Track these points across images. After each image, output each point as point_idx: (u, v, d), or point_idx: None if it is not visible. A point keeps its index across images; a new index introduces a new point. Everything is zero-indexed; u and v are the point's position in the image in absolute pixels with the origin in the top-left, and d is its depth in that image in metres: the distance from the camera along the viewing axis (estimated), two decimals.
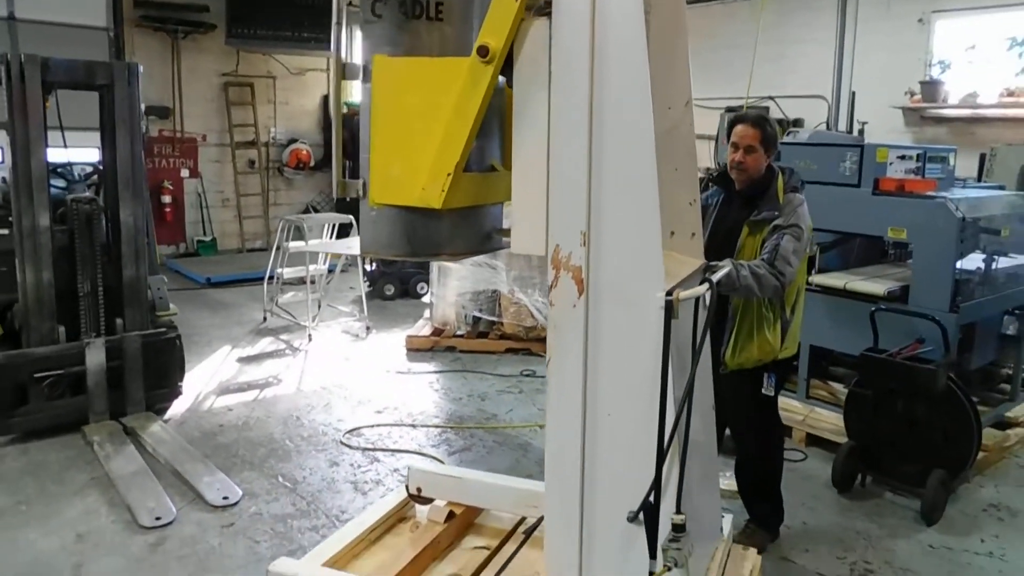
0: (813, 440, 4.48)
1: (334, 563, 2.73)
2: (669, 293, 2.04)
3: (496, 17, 2.00)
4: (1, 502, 3.72)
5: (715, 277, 2.25)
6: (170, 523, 3.52)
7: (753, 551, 2.92)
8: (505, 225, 2.36)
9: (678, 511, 2.07)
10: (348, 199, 2.47)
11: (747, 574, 2.76)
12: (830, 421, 4.44)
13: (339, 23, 2.37)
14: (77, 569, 3.16)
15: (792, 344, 3.23)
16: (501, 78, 2.11)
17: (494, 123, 2.20)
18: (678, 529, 2.04)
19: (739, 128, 3.09)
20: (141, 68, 4.77)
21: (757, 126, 3.06)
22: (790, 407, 4.59)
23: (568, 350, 2.19)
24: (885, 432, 3.89)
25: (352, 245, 2.47)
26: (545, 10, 2.07)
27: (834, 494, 3.93)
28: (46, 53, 4.48)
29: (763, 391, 3.21)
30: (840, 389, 4.70)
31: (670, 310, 2.03)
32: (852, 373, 4.81)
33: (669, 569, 2.00)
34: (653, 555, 2.02)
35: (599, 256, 2.13)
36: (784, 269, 2.86)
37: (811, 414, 4.55)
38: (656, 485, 2.02)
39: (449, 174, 2.05)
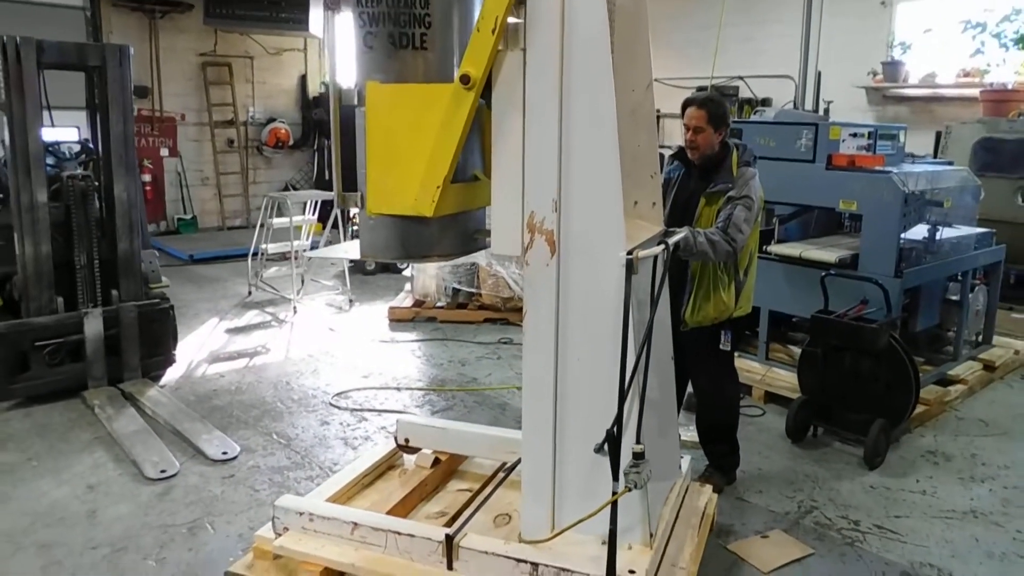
0: (771, 397, 4.83)
1: (333, 502, 3.03)
2: (630, 253, 2.34)
3: (476, 49, 2.29)
4: (13, 458, 3.96)
5: (671, 240, 2.54)
6: (174, 475, 3.79)
7: (709, 488, 3.27)
8: (487, 227, 2.67)
9: (637, 442, 2.39)
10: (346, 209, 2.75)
11: (702, 506, 3.10)
12: (786, 380, 4.78)
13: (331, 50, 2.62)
14: (92, 514, 3.42)
15: (746, 304, 3.55)
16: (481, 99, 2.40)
17: (475, 137, 2.49)
18: (637, 457, 2.36)
19: (689, 110, 3.39)
20: (133, 51, 4.95)
21: (703, 107, 3.36)
22: (750, 368, 4.94)
23: (542, 304, 2.48)
24: (834, 386, 4.24)
25: (350, 249, 2.80)
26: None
27: (788, 444, 4.28)
28: (23, 32, 4.62)
29: (720, 346, 3.53)
30: (797, 351, 5.05)
31: (631, 267, 2.33)
32: (807, 336, 5.18)
33: (630, 490, 2.32)
34: (616, 478, 2.33)
35: (569, 220, 2.43)
36: (736, 236, 3.17)
37: (769, 373, 4.90)
38: (618, 419, 2.33)
39: (438, 186, 2.35)
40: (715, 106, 3.39)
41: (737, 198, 3.26)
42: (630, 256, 2.33)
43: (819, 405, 4.32)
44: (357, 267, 8.18)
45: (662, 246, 2.45)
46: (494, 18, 2.24)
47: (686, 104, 3.44)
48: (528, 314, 2.52)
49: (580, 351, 2.49)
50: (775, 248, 4.93)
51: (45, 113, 4.82)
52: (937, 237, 4.88)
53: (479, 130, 2.48)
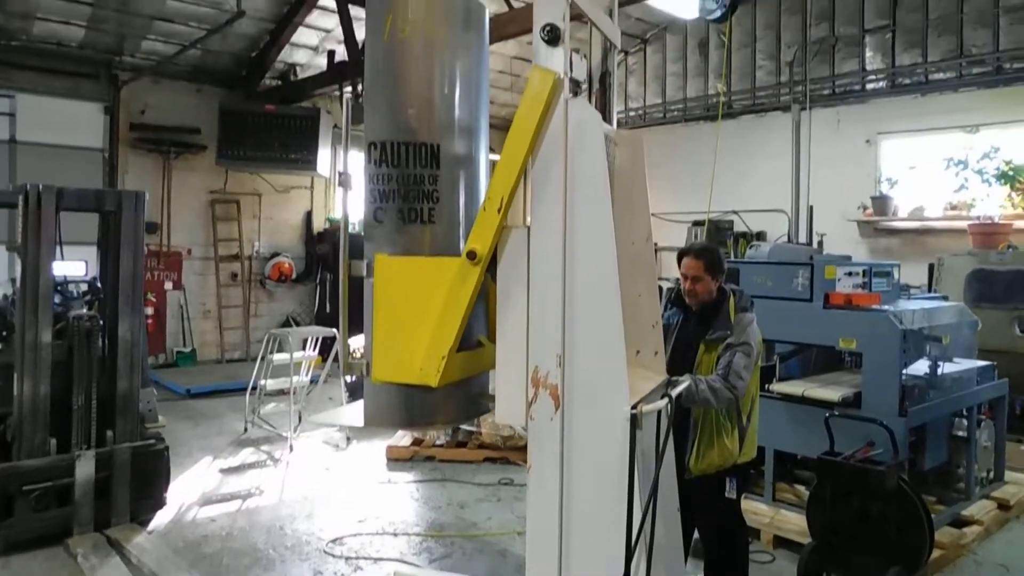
0: (780, 541, 4.66)
1: None
2: (634, 407, 2.33)
3: (482, 227, 2.38)
4: None
5: (675, 392, 2.54)
6: None
7: None
8: (491, 389, 2.69)
9: None
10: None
11: None
12: (795, 523, 4.64)
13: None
14: None
15: (750, 449, 3.50)
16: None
17: (480, 304, 2.55)
18: None
19: (686, 260, 3.48)
20: (148, 196, 5.12)
21: (700, 257, 3.45)
22: (757, 510, 4.80)
23: (546, 458, 2.44)
24: (844, 531, 4.10)
25: (353, 416, 2.84)
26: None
27: None
28: (42, 172, 4.82)
29: (726, 494, 3.45)
30: (804, 491, 4.93)
31: (635, 422, 2.31)
32: (814, 478, 5.07)
33: None
34: None
35: (573, 375, 2.43)
36: (736, 383, 3.18)
37: (777, 516, 4.76)
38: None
39: (443, 357, 2.39)
40: (711, 255, 3.48)
41: (736, 344, 3.29)
42: (634, 411, 2.31)
43: (831, 550, 4.16)
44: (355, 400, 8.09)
45: (665, 400, 2.44)
46: (500, 198, 2.34)
47: (682, 254, 3.53)
48: (532, 468, 2.46)
49: (585, 506, 2.42)
50: (777, 387, 4.92)
51: (56, 247, 4.94)
52: (939, 372, 4.89)
53: (484, 297, 2.53)
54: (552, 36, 2.32)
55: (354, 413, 2.79)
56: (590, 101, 2.99)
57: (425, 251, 2.49)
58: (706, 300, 3.43)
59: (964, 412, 5.17)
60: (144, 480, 4.93)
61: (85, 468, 4.66)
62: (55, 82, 9.63)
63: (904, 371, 4.59)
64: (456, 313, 2.38)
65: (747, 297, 3.52)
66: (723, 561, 3.59)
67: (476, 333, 2.58)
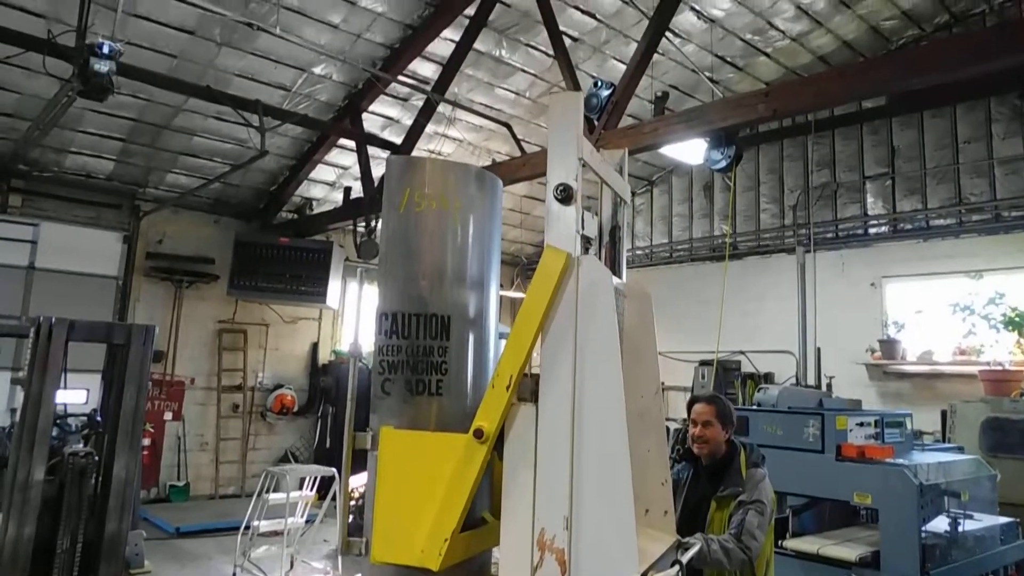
0: None
1: None
2: (644, 574, 2.21)
3: (489, 405, 2.37)
4: None
5: (684, 558, 2.42)
6: None
7: None
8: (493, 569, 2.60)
9: None
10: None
11: None
12: None
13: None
14: None
15: None
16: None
17: (484, 479, 2.48)
18: None
19: (696, 406, 3.44)
20: (157, 330, 5.15)
21: (711, 403, 3.42)
22: None
23: None
24: None
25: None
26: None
27: None
28: (56, 298, 4.84)
29: None
30: None
31: None
32: None
33: None
34: None
35: (580, 539, 2.32)
36: (750, 544, 3.04)
37: None
38: None
39: (446, 540, 2.31)
40: (722, 403, 3.44)
41: (748, 503, 3.18)
42: None
43: None
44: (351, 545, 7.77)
45: (676, 568, 2.32)
46: (508, 376, 2.33)
47: (693, 401, 3.48)
48: None
49: None
50: (791, 543, 4.71)
51: (61, 375, 4.90)
52: (960, 530, 4.68)
53: (489, 472, 2.47)
54: (565, 195, 2.39)
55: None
56: (600, 255, 3.03)
57: (432, 424, 2.45)
58: (715, 449, 3.35)
59: (990, 574, 4.91)
60: None
61: None
62: (79, 211, 9.95)
63: (923, 528, 4.40)
64: (461, 493, 2.31)
65: (758, 452, 3.44)
66: None
67: (480, 509, 2.50)
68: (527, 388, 2.44)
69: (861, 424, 4.96)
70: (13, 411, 5.36)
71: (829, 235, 10.70)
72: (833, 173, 10.77)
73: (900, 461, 4.57)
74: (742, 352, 10.84)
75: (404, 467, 2.41)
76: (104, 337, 5.10)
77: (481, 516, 2.49)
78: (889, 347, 9.81)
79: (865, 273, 10.33)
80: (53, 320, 4.70)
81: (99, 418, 5.40)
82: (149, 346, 5.04)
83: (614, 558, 2.29)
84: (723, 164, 6.52)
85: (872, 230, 10.45)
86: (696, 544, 2.76)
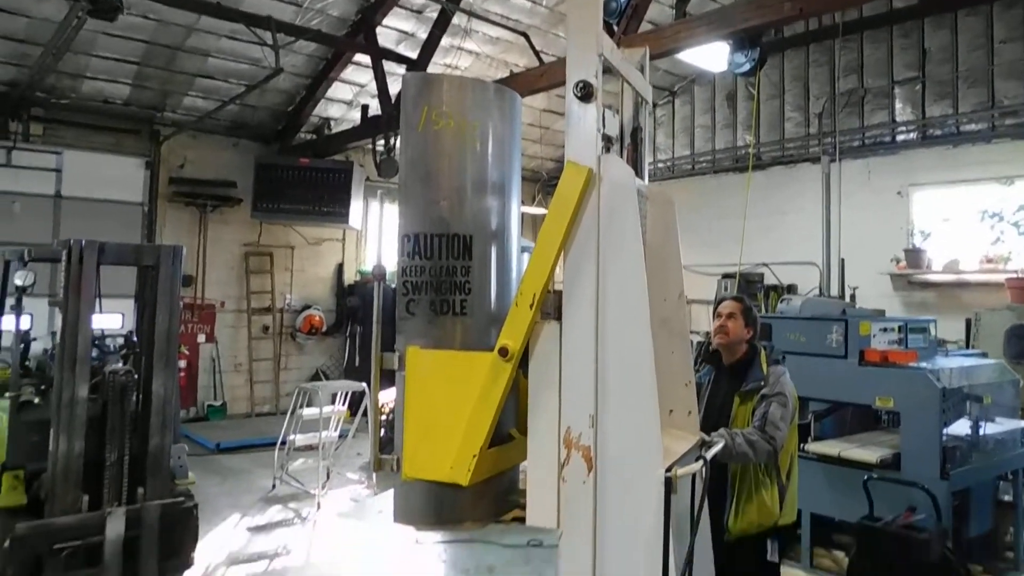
0: None
1: None
2: (668, 470, 2.28)
3: (514, 323, 2.38)
4: None
5: (709, 454, 2.49)
6: None
7: None
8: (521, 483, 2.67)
9: None
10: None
11: None
12: None
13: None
14: None
15: (791, 511, 3.42)
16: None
17: (510, 397, 2.51)
18: None
19: (724, 303, 3.53)
20: (185, 250, 5.22)
21: (738, 300, 3.52)
22: None
23: (579, 521, 2.39)
24: None
25: (383, 516, 2.83)
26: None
27: None
28: (84, 225, 4.92)
29: (768, 558, 3.35)
30: (843, 557, 4.77)
31: (669, 486, 2.26)
32: (853, 544, 4.90)
33: None
34: None
35: (605, 437, 2.39)
36: (774, 434, 3.13)
37: None
38: None
39: (475, 456, 2.37)
40: (748, 302, 3.53)
41: (771, 395, 3.26)
42: (668, 474, 2.26)
43: None
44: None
45: (700, 463, 2.39)
46: (532, 294, 2.34)
47: (720, 300, 3.55)
48: (564, 533, 2.41)
49: (619, 570, 2.35)
50: (813, 446, 4.80)
51: (96, 301, 5.02)
52: (981, 433, 4.74)
53: (515, 389, 2.50)
54: (585, 93, 2.35)
55: (385, 510, 2.75)
56: (621, 156, 3.01)
57: (457, 344, 2.48)
58: (735, 343, 3.42)
59: (1009, 475, 4.99)
60: (173, 539, 4.89)
61: (115, 526, 4.64)
62: (99, 138, 9.98)
63: (944, 432, 4.46)
64: (488, 411, 2.36)
65: (778, 351, 3.53)
66: None
67: (507, 427, 2.56)
68: (551, 305, 2.47)
69: (885, 330, 4.98)
70: (54, 335, 5.53)
71: (855, 143, 10.46)
72: (861, 79, 10.43)
73: (923, 365, 4.60)
74: (765, 264, 10.79)
75: (431, 386, 2.46)
76: (133, 259, 5.18)
77: (508, 433, 2.56)
78: (914, 256, 9.71)
79: (891, 182, 10.14)
80: (83, 243, 4.78)
81: (135, 339, 5.56)
82: (178, 266, 5.12)
83: (639, 454, 2.37)
84: (747, 67, 6.34)
85: (900, 137, 10.19)
86: (720, 441, 2.83)
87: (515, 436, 2.59)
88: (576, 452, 2.41)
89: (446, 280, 2.48)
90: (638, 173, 2.92)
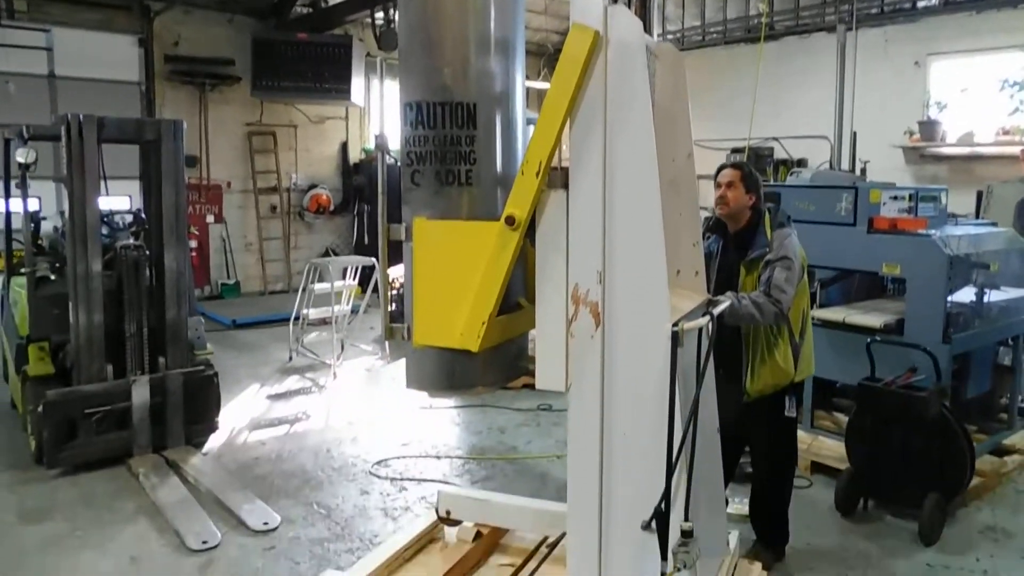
0: (817, 467, 4.70)
1: None
2: (675, 325, 2.34)
3: (520, 191, 2.35)
4: (59, 529, 4.00)
5: (716, 310, 2.53)
6: (216, 546, 3.79)
7: (758, 565, 3.17)
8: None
9: (686, 519, 2.34)
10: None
11: None
12: (833, 449, 4.66)
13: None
14: None
15: (807, 366, 3.51)
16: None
17: (518, 265, 2.53)
18: (686, 535, 2.30)
19: (723, 171, 3.47)
20: (186, 125, 5.15)
21: (737, 168, 3.45)
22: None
23: (587, 376, 2.47)
24: (883, 458, 4.11)
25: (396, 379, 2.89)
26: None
27: (837, 518, 4.15)
28: (82, 106, 4.85)
29: (786, 413, 3.48)
30: (842, 419, 4.94)
31: (676, 340, 2.32)
32: (853, 404, 5.07)
33: (679, 570, 2.26)
34: (664, 557, 2.27)
35: (613, 292, 2.43)
36: (780, 296, 3.17)
37: (815, 442, 4.78)
38: (666, 494, 2.28)
39: (484, 323, 2.39)
40: (747, 168, 3.47)
41: (775, 260, 3.28)
42: (676, 328, 2.32)
43: (869, 478, 4.19)
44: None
45: (707, 318, 2.44)
46: (538, 162, 2.31)
47: (720, 168, 3.50)
48: (573, 387, 2.50)
49: (626, 425, 2.46)
50: (818, 313, 4.85)
51: (101, 183, 5.03)
52: (985, 300, 4.79)
53: (522, 258, 2.52)
54: None
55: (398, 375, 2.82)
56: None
57: (463, 214, 2.48)
58: (737, 212, 3.40)
59: (1010, 341, 5.08)
60: (196, 405, 5.12)
61: (141, 392, 4.84)
62: (88, 15, 9.64)
63: (949, 298, 4.50)
64: (495, 279, 2.37)
65: (783, 212, 3.50)
66: (770, 483, 3.63)
67: (515, 295, 2.58)
68: (558, 179, 2.46)
69: (895, 198, 4.93)
70: (62, 214, 5.55)
71: (873, 10, 10.01)
72: None
73: (932, 232, 4.59)
74: (775, 138, 10.60)
75: (439, 256, 2.47)
76: (134, 134, 5.13)
77: (516, 302, 2.59)
78: (928, 129, 9.50)
79: (909, 51, 9.76)
80: (82, 117, 4.72)
81: (143, 216, 5.59)
82: (180, 141, 5.08)
83: (646, 310, 2.41)
84: None
85: (920, 3, 9.73)
86: (726, 300, 2.88)
87: (523, 305, 2.63)
88: (584, 308, 2.46)
89: (451, 150, 2.45)
90: (646, 29, 2.83)
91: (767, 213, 3.43)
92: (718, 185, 3.45)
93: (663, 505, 2.28)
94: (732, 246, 3.49)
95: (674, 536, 2.30)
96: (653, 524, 2.35)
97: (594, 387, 2.47)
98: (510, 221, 2.34)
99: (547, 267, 2.49)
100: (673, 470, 2.31)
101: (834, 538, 3.94)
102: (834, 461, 4.59)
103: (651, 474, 2.37)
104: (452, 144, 2.44)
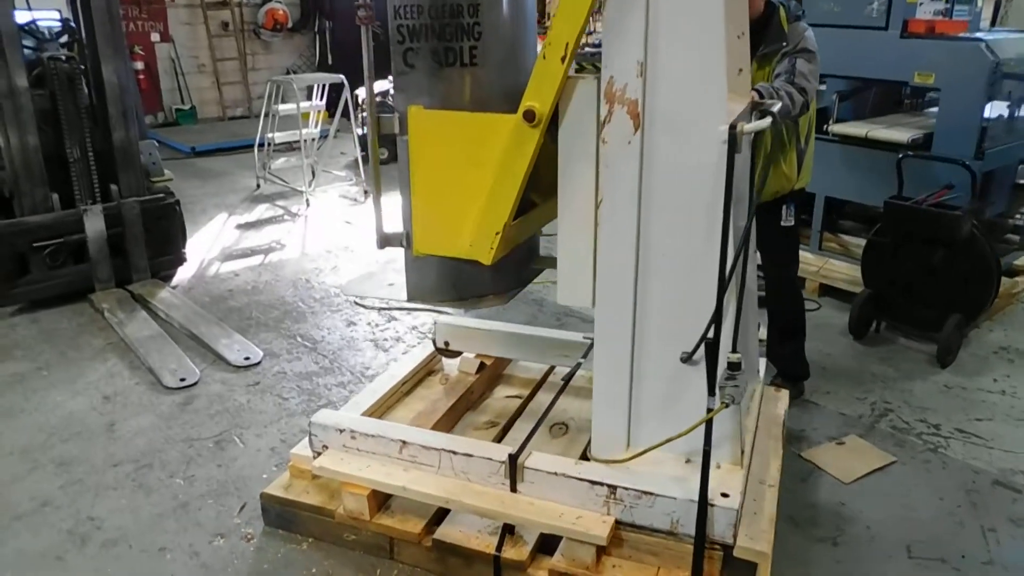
0: (826, 290, 4.50)
1: (372, 413, 2.75)
2: (732, 126, 1.93)
3: (541, 80, 1.90)
4: (22, 367, 3.69)
5: (775, 108, 2.12)
6: (195, 384, 3.52)
7: (784, 392, 2.98)
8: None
9: (734, 350, 2.05)
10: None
11: (781, 414, 2.81)
12: (843, 272, 4.45)
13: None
14: (111, 428, 3.17)
15: (807, 174, 3.24)
16: None
17: None
18: (734, 367, 2.02)
19: None
20: None
21: None
22: (804, 259, 4.57)
23: (621, 188, 2.09)
24: (903, 279, 3.89)
25: (395, 291, 2.54)
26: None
27: (849, 340, 3.99)
28: None
29: (782, 223, 3.20)
30: (849, 240, 4.71)
31: (734, 144, 1.92)
32: (861, 226, 4.80)
33: (727, 406, 2.00)
34: (712, 392, 2.01)
35: (656, 87, 2.00)
36: (805, 85, 2.81)
37: (825, 265, 4.55)
38: (716, 320, 1.98)
39: (498, 233, 2.02)
40: None
41: (794, 51, 2.87)
42: (733, 130, 1.91)
43: (885, 299, 3.98)
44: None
45: (769, 118, 2.02)
46: (564, 44, 1.85)
47: None
48: (604, 202, 2.12)
49: (666, 245, 2.11)
50: (837, 127, 4.47)
51: None
52: (1018, 114, 4.42)
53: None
54: None
55: (395, 286, 2.49)
56: None
57: (467, 102, 2.06)
58: (751, 15, 2.93)
59: None
60: (159, 236, 4.69)
61: (94, 223, 4.39)
62: None
63: (985, 111, 4.11)
64: (511, 184, 1.99)
65: (797, 5, 3.07)
66: (782, 301, 3.40)
67: (527, 192, 2.16)
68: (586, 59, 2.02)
69: None
70: None
71: None
72: None
73: (977, 36, 4.12)
74: None
75: (441, 153, 2.08)
76: None
77: (531, 199, 2.21)
78: None
79: None
80: None
81: (73, 25, 4.86)
82: None
83: (698, 108, 2.00)
84: None
85: None
86: (778, 103, 2.45)
87: (536, 202, 2.25)
88: (620, 107, 2.03)
89: (450, 22, 1.98)
90: None
91: (780, 7, 2.98)
92: None
93: (713, 334, 1.98)
94: None
95: (721, 368, 2.03)
96: (694, 357, 2.08)
97: (630, 202, 2.09)
98: (529, 116, 1.92)
99: (573, 176, 2.09)
100: (725, 292, 1.99)
101: (848, 361, 3.78)
102: (844, 284, 4.39)
103: (693, 301, 2.07)
104: (452, 15, 1.98)
